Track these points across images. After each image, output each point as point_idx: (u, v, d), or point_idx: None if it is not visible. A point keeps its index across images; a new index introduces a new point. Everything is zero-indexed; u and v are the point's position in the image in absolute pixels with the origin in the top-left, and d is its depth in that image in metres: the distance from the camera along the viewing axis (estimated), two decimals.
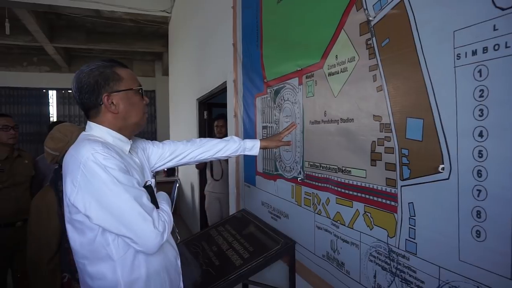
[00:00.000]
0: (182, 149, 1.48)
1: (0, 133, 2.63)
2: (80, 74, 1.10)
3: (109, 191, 0.97)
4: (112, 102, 1.10)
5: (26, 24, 5.66)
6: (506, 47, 0.75)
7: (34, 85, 8.88)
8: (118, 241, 1.03)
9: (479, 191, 0.82)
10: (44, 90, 9.09)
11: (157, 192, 1.24)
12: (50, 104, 9.21)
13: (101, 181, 0.97)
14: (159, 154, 1.42)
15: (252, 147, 1.57)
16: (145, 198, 1.04)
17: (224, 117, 3.45)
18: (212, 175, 3.81)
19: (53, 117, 9.17)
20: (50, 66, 8.88)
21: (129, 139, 1.19)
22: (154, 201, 1.11)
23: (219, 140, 1.56)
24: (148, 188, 1.11)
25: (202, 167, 4.01)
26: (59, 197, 1.51)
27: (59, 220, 1.50)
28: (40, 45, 6.97)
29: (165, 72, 8.43)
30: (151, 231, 1.00)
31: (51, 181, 1.60)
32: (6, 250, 2.57)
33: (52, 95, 9.21)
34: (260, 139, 1.60)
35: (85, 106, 1.12)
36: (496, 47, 0.77)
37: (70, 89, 9.01)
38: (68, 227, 1.07)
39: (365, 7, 1.19)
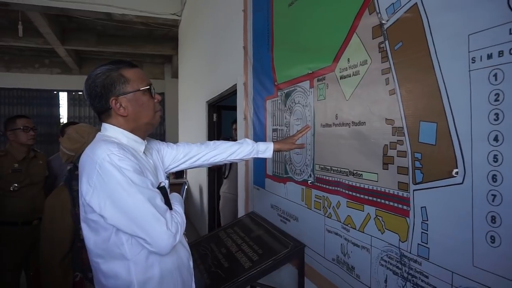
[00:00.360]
0: (196, 151, 1.48)
1: (20, 134, 2.68)
2: (88, 80, 1.11)
3: (123, 192, 0.99)
4: (121, 105, 1.11)
5: (38, 26, 5.76)
6: None
7: (45, 86, 9.02)
8: (132, 240, 1.04)
9: (494, 196, 0.81)
10: (55, 92, 9.22)
11: (170, 193, 1.25)
12: (60, 105, 9.33)
13: (116, 182, 0.98)
14: (173, 156, 1.42)
15: (266, 149, 1.56)
16: (159, 199, 1.05)
17: None
18: (223, 174, 3.87)
19: (63, 119, 9.29)
20: (61, 68, 9.01)
21: (143, 140, 1.20)
22: (167, 202, 1.12)
23: (232, 142, 1.55)
24: (161, 189, 1.12)
25: (217, 167, 4.05)
26: (73, 196, 1.53)
27: (72, 219, 1.52)
28: (52, 48, 7.08)
29: (175, 75, 8.50)
30: (164, 232, 1.01)
31: (65, 180, 1.62)
32: (24, 248, 2.62)
33: (63, 96, 9.33)
34: (274, 142, 1.60)
35: (96, 110, 1.14)
36: None
37: (80, 91, 9.20)
38: (83, 226, 1.09)
39: (378, 10, 1.19)
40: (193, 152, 1.47)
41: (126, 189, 0.99)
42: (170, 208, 1.13)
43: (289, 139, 1.60)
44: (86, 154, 1.06)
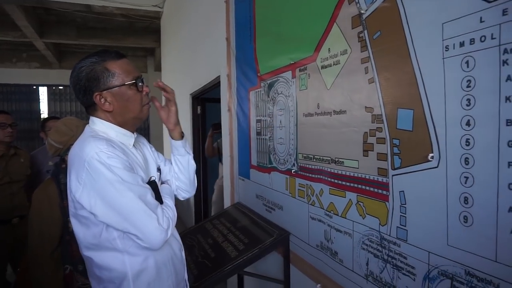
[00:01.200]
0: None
1: None
2: (73, 73, 1.08)
3: (114, 190, 0.98)
4: (106, 100, 1.08)
5: (15, 19, 5.58)
6: (492, 38, 0.78)
7: (24, 81, 8.76)
8: (124, 235, 1.04)
9: (467, 178, 0.85)
10: (34, 87, 8.98)
11: (161, 185, 1.26)
12: (40, 100, 9.11)
13: (105, 180, 0.98)
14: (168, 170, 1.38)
15: (177, 146, 1.35)
16: (150, 195, 1.05)
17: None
18: (220, 160, 3.90)
19: (44, 114, 9.08)
20: (40, 62, 8.77)
21: (133, 133, 1.18)
22: (158, 197, 1.12)
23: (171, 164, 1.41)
24: (152, 183, 1.12)
25: (211, 155, 4.05)
26: (60, 190, 1.53)
27: (60, 212, 1.51)
28: (30, 41, 6.88)
29: (158, 68, 8.38)
30: (155, 228, 1.01)
31: (52, 173, 1.61)
32: (5, 247, 2.57)
33: (43, 91, 9.10)
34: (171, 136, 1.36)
35: (82, 104, 1.12)
36: (483, 38, 0.80)
37: (61, 85, 8.95)
38: (73, 221, 1.08)
39: (357, 0, 1.21)
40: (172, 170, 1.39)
41: (116, 187, 0.98)
42: (161, 202, 1.13)
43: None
44: (75, 150, 1.04)
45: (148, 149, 1.31)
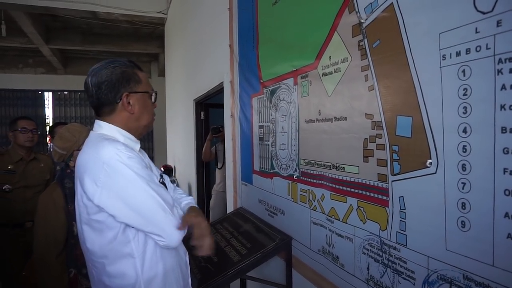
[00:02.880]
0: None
1: (18, 135, 2.67)
2: (102, 69, 1.10)
3: (135, 189, 1.01)
4: (129, 102, 1.12)
5: (21, 26, 5.68)
6: (487, 48, 0.80)
7: (29, 87, 8.86)
8: (138, 237, 1.06)
9: (464, 184, 0.87)
10: (40, 92, 9.08)
11: None
12: (46, 106, 9.20)
13: (127, 180, 1.00)
14: None
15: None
16: (166, 194, 1.09)
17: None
18: (216, 164, 3.90)
19: (49, 119, 9.16)
20: (45, 67, 8.88)
21: (138, 140, 1.22)
22: None
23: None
24: (162, 184, 1.16)
25: (208, 159, 4.07)
26: (65, 194, 1.56)
27: (65, 216, 1.54)
28: (36, 47, 6.98)
29: (161, 73, 8.46)
30: (174, 226, 1.05)
31: (57, 178, 1.65)
32: (20, 250, 2.59)
33: (48, 96, 9.20)
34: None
35: (100, 102, 1.12)
36: (478, 48, 0.82)
37: (66, 91, 9.02)
38: (86, 228, 1.08)
39: (357, 9, 1.24)
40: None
41: (137, 186, 1.01)
42: None
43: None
44: (88, 153, 1.06)
45: (145, 155, 1.34)
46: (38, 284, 1.53)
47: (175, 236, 1.05)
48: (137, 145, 1.20)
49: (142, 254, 1.07)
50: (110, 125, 1.13)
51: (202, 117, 4.33)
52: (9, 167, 2.63)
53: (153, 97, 1.22)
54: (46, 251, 1.53)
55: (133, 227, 1.05)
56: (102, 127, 1.14)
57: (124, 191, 1.01)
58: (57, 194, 1.57)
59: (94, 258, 1.10)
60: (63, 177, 1.60)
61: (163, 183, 1.17)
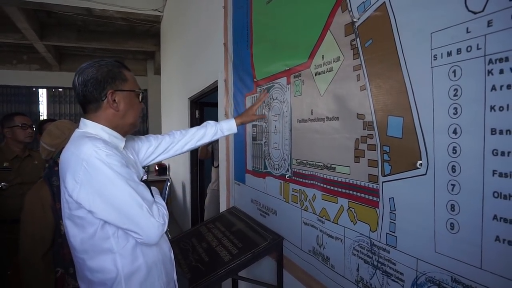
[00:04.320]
0: (168, 142, 1.55)
1: (18, 131, 2.64)
2: (88, 68, 1.13)
3: (113, 186, 1.01)
4: (115, 100, 1.14)
5: (15, 21, 5.62)
6: (478, 48, 0.79)
7: (24, 83, 8.79)
8: (118, 233, 1.07)
9: (453, 185, 0.86)
10: (34, 89, 9.01)
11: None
12: (40, 102, 9.13)
13: (104, 177, 1.01)
14: (146, 148, 1.47)
15: (229, 127, 1.67)
16: (146, 192, 1.09)
17: None
18: (212, 163, 3.87)
19: (43, 116, 9.09)
20: (40, 64, 8.80)
21: (123, 137, 1.23)
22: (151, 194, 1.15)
23: (197, 127, 1.65)
24: (144, 182, 1.15)
25: (204, 156, 4.04)
26: (53, 192, 1.53)
27: (53, 215, 1.51)
28: (30, 43, 6.91)
29: (157, 71, 8.41)
30: (154, 223, 1.05)
31: (44, 176, 1.62)
32: (5, 247, 2.57)
33: (42, 93, 9.12)
34: (234, 117, 1.71)
35: (86, 99, 1.14)
36: (469, 48, 0.81)
37: (60, 88, 8.96)
38: (68, 223, 1.10)
39: (349, 8, 1.23)
40: (165, 143, 1.54)
41: (115, 183, 1.02)
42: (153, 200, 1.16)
43: (249, 111, 1.71)
44: (70, 150, 1.07)
45: (133, 152, 1.36)
46: (23, 283, 1.50)
47: (152, 234, 1.05)
48: (121, 143, 1.21)
49: (123, 250, 1.08)
50: (95, 123, 1.14)
51: (197, 115, 4.31)
52: (4, 165, 2.59)
53: (140, 96, 1.23)
54: (32, 250, 1.50)
55: (110, 224, 1.06)
56: (87, 125, 1.15)
57: (102, 188, 1.01)
58: (44, 192, 1.54)
59: (76, 253, 1.11)
60: (51, 175, 1.57)
61: (146, 181, 1.16)
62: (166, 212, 1.14)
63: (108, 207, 1.02)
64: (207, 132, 1.63)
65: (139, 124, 1.28)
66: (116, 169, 1.02)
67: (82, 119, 1.18)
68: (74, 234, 1.09)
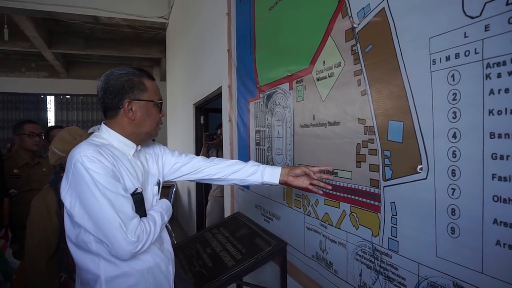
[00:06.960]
0: (198, 164, 1.45)
1: (26, 139, 2.67)
2: (110, 76, 1.17)
3: (90, 194, 1.01)
4: (131, 109, 1.16)
5: (24, 30, 5.73)
6: (475, 53, 0.80)
7: (32, 90, 8.93)
8: (99, 239, 1.06)
9: (454, 189, 0.86)
10: (42, 96, 9.13)
11: (160, 198, 1.29)
12: (48, 109, 9.25)
13: (84, 183, 1.02)
14: (172, 164, 1.42)
15: (272, 175, 1.40)
16: (126, 206, 1.05)
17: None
18: None
19: (51, 122, 9.20)
20: (48, 71, 8.94)
21: (137, 145, 1.23)
22: (141, 209, 1.13)
23: (236, 161, 1.48)
24: (137, 194, 1.12)
25: None
26: (58, 198, 1.54)
27: (58, 220, 1.53)
28: (39, 51, 7.04)
29: (163, 78, 8.48)
30: (123, 239, 1.01)
31: (51, 182, 1.63)
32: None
33: (50, 100, 9.25)
34: (283, 167, 1.42)
35: (105, 106, 1.18)
36: (467, 53, 0.82)
37: (68, 95, 9.06)
38: (66, 216, 1.14)
39: (350, 14, 1.24)
40: (195, 164, 1.45)
41: (92, 191, 1.01)
42: (144, 215, 1.13)
43: (304, 168, 1.35)
44: (70, 153, 1.10)
45: (153, 160, 1.34)
46: (28, 287, 1.52)
47: (120, 250, 1.02)
48: (130, 150, 1.20)
49: (105, 254, 1.08)
50: (109, 128, 1.18)
51: (202, 121, 4.33)
52: (14, 171, 2.63)
53: (161, 107, 1.25)
54: (37, 256, 1.51)
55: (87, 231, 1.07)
56: (102, 130, 1.19)
57: (81, 194, 1.03)
58: (50, 197, 1.56)
59: (72, 248, 1.14)
60: (57, 181, 1.58)
61: (139, 194, 1.14)
62: (152, 230, 1.09)
63: (84, 213, 1.03)
64: (245, 169, 1.43)
65: (157, 133, 1.28)
66: (96, 177, 1.01)
67: (102, 123, 1.22)
68: (69, 229, 1.13)
